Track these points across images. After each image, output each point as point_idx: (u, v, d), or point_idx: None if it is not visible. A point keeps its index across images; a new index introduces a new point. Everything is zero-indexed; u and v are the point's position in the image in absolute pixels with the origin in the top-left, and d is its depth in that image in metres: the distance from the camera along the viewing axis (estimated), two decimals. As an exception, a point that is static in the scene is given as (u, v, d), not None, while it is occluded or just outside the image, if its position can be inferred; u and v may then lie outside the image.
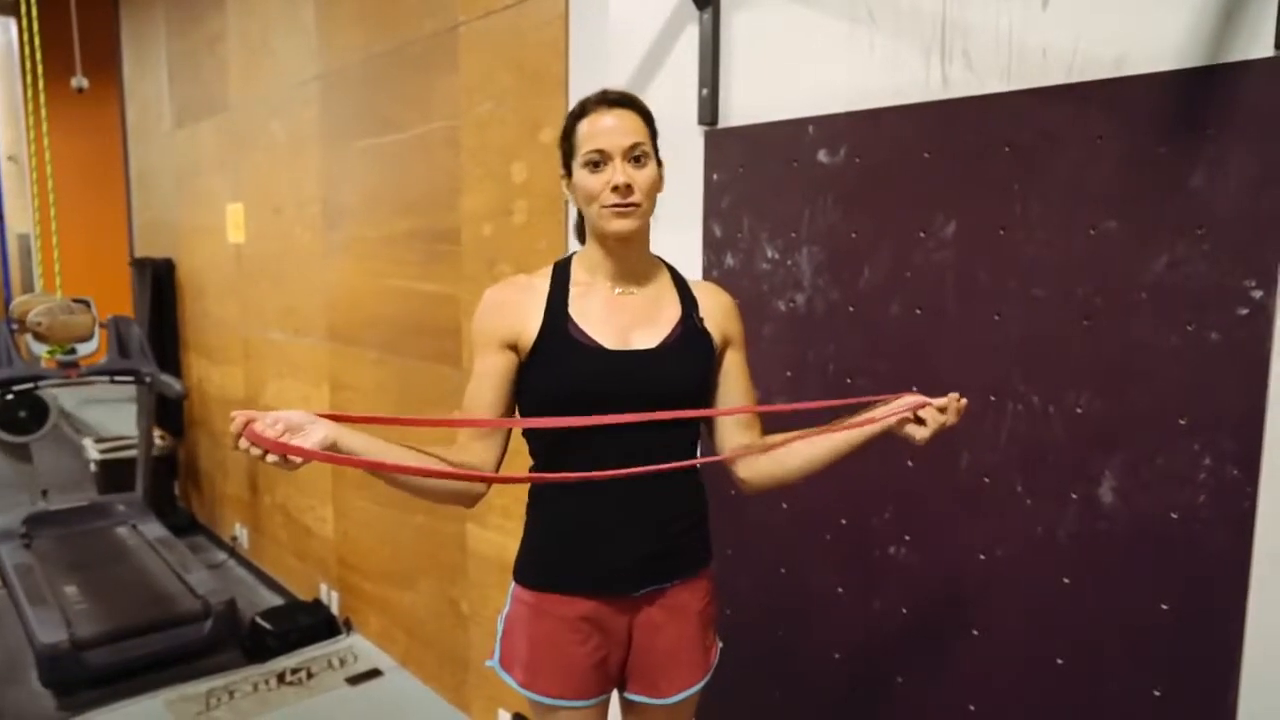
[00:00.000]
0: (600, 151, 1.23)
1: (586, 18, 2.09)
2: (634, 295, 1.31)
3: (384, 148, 2.90)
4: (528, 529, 1.39)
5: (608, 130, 1.23)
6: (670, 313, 1.32)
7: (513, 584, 1.38)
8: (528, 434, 1.33)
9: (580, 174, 1.25)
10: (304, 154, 3.39)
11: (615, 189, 1.22)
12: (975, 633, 1.48)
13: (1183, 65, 1.20)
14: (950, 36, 1.45)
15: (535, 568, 1.35)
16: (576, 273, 1.32)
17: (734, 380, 1.37)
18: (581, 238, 1.39)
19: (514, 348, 1.28)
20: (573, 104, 1.31)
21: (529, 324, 1.27)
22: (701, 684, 1.42)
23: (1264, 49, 1.13)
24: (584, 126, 1.25)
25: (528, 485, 1.39)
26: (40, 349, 4.00)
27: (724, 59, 1.79)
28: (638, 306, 1.31)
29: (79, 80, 4.43)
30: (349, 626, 3.40)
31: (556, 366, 1.25)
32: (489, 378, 1.29)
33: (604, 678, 1.37)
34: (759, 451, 1.34)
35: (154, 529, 4.16)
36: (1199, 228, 1.20)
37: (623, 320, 1.29)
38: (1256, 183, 1.15)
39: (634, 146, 1.24)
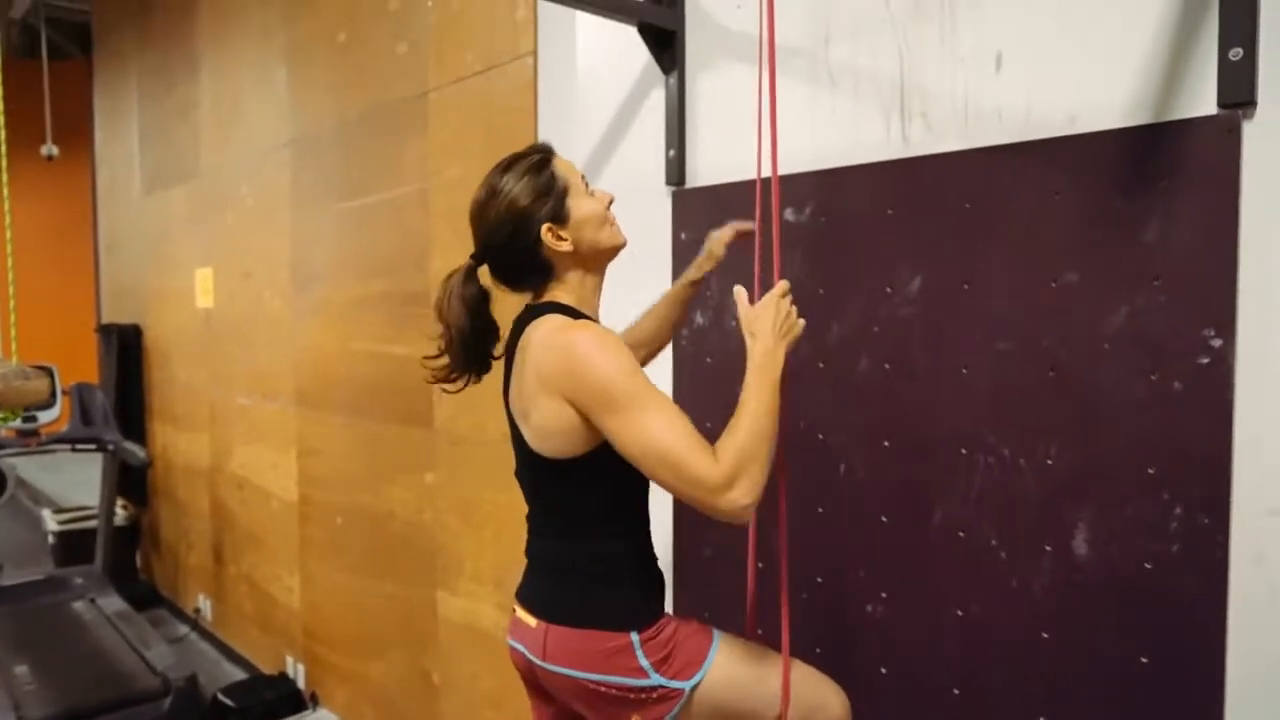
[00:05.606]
0: (584, 178, 1.34)
1: (554, 84, 2.13)
2: None
3: (354, 211, 2.91)
4: (617, 574, 1.32)
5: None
6: None
7: (634, 642, 1.27)
8: (609, 475, 1.26)
9: (587, 202, 1.31)
10: (275, 218, 3.38)
11: (608, 204, 1.34)
12: (956, 691, 1.46)
13: (1132, 123, 1.24)
14: (909, 98, 1.48)
15: (650, 603, 1.34)
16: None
17: None
18: (536, 291, 1.35)
19: None
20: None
21: None
22: None
23: (1207, 107, 1.17)
24: (559, 164, 1.32)
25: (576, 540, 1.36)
26: (-3, 418, 3.91)
27: (690, 121, 1.82)
28: None
29: (49, 148, 4.44)
30: (315, 701, 3.28)
31: None
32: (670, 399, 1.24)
33: None
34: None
35: (113, 603, 4.00)
36: (1156, 279, 1.22)
37: None
38: (1208, 234, 1.18)
39: None
